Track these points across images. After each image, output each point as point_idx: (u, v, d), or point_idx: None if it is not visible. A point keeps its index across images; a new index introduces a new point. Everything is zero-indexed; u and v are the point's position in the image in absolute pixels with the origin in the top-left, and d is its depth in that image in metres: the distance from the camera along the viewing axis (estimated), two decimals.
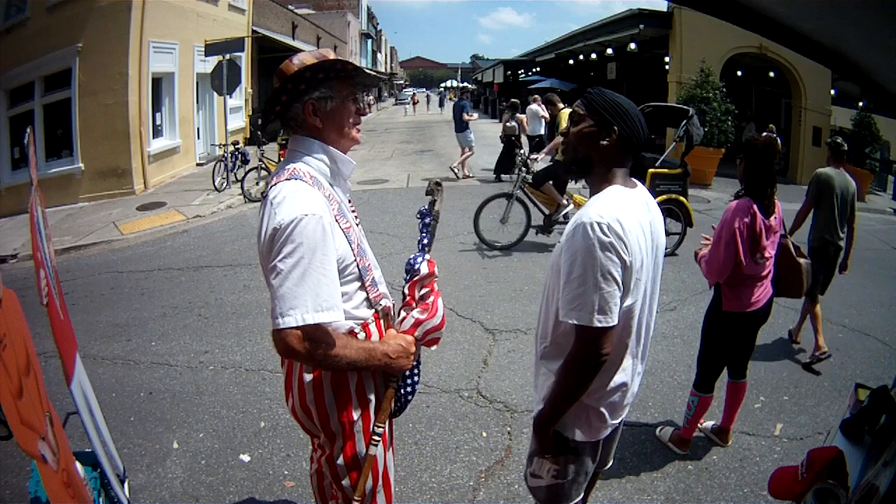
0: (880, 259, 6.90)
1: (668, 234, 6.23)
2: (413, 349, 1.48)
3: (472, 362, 3.66)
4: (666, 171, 6.20)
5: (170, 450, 2.80)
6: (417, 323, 1.49)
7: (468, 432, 2.92)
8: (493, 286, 5.05)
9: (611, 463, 1.86)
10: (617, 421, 1.60)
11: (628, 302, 1.41)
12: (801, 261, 2.70)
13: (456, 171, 10.48)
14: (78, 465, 1.58)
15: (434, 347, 1.58)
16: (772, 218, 2.46)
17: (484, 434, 2.91)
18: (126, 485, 2.20)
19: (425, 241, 1.61)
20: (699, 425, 2.83)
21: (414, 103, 35.34)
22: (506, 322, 4.28)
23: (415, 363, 1.54)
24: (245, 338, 4.05)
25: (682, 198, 6.14)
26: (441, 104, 36.29)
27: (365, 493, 1.50)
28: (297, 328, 1.24)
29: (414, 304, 1.52)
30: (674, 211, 6.22)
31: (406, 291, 1.54)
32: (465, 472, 2.61)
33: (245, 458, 2.74)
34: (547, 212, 6.20)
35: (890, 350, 4.05)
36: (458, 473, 2.61)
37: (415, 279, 1.53)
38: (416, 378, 1.58)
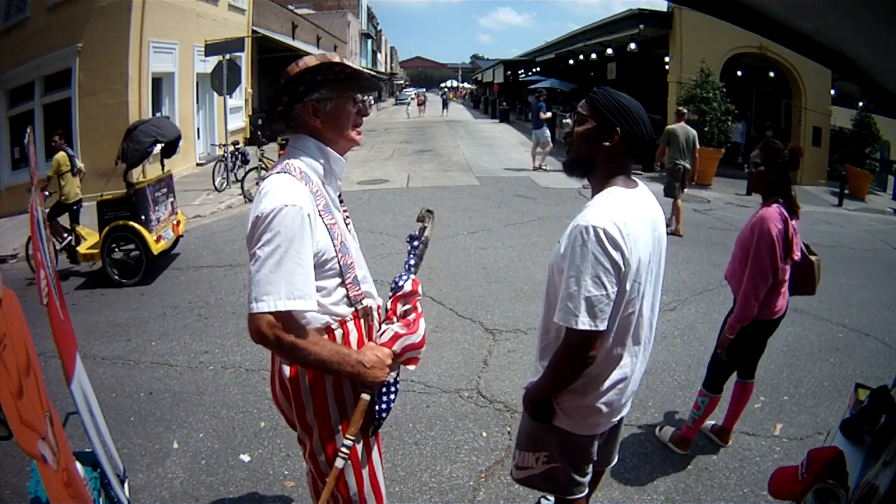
0: (880, 259, 6.90)
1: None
2: (389, 361, 1.44)
3: (472, 362, 3.66)
4: (110, 196, 5.46)
5: (170, 450, 2.80)
6: (396, 336, 1.46)
7: (468, 432, 2.92)
8: (493, 286, 5.05)
9: (615, 460, 1.87)
10: (616, 418, 1.60)
11: (628, 307, 1.42)
12: (814, 258, 2.68)
13: (541, 164, 11.79)
14: (78, 465, 1.58)
15: (412, 367, 1.53)
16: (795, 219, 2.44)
17: (484, 434, 2.91)
18: (126, 485, 2.20)
19: (412, 262, 1.59)
20: None
21: (419, 104, 31.34)
22: (506, 322, 4.28)
23: (391, 381, 1.48)
24: (245, 338, 4.02)
25: (132, 223, 5.29)
26: (445, 106, 32.06)
27: None
28: (268, 313, 1.28)
29: (394, 319, 1.50)
30: (118, 238, 5.34)
31: (388, 306, 1.53)
32: (465, 472, 2.61)
33: (245, 458, 2.74)
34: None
35: (890, 350, 4.04)
36: (458, 473, 2.61)
37: (398, 294, 1.52)
38: (392, 396, 1.51)
